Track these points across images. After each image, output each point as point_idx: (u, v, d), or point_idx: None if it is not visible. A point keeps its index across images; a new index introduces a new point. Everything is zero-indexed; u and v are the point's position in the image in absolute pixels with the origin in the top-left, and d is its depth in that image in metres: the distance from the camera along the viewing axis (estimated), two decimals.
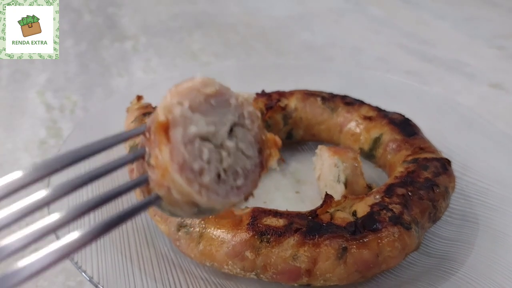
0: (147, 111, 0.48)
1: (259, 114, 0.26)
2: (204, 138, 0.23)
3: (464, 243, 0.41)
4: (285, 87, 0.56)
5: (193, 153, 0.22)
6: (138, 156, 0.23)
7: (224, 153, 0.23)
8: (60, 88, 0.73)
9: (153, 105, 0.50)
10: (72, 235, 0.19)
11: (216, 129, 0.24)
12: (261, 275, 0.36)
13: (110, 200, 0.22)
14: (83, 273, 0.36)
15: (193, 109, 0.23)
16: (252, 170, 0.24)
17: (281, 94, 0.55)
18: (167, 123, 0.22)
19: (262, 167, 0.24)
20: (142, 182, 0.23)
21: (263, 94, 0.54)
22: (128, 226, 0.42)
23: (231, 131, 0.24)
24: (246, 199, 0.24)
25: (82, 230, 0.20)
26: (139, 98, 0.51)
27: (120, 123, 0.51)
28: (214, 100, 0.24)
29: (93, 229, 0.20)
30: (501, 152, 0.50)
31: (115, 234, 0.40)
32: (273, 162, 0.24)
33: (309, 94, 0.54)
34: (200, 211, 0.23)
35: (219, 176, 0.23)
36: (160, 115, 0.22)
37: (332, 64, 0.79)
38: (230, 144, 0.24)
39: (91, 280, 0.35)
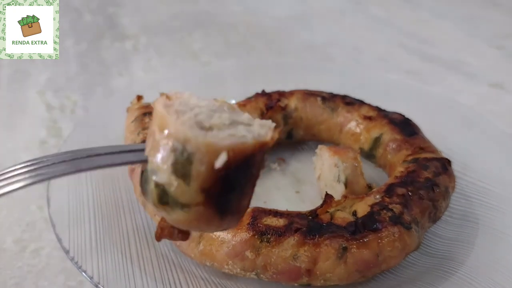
0: (148, 111, 0.48)
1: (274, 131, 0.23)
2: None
3: (464, 243, 0.41)
4: (285, 87, 0.56)
5: (183, 104, 0.22)
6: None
7: (216, 116, 0.22)
8: (60, 88, 0.73)
9: (153, 104, 0.50)
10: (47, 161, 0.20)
11: (218, 112, 0.23)
12: (261, 275, 0.36)
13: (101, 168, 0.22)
14: (83, 273, 0.36)
15: (201, 100, 0.23)
16: (242, 136, 0.22)
17: (281, 94, 0.55)
18: (173, 97, 0.23)
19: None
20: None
21: (263, 94, 0.54)
22: (128, 226, 0.42)
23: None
24: (229, 155, 0.21)
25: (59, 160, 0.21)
26: (139, 98, 0.51)
27: (121, 123, 0.51)
28: (228, 109, 0.24)
29: (71, 160, 0.21)
30: (501, 151, 0.50)
31: (115, 234, 0.41)
32: (267, 137, 0.22)
33: (309, 94, 0.54)
34: (176, 162, 0.21)
35: (202, 126, 0.22)
36: (171, 91, 0.23)
37: (333, 64, 0.79)
38: (226, 116, 0.22)
39: (91, 280, 0.35)
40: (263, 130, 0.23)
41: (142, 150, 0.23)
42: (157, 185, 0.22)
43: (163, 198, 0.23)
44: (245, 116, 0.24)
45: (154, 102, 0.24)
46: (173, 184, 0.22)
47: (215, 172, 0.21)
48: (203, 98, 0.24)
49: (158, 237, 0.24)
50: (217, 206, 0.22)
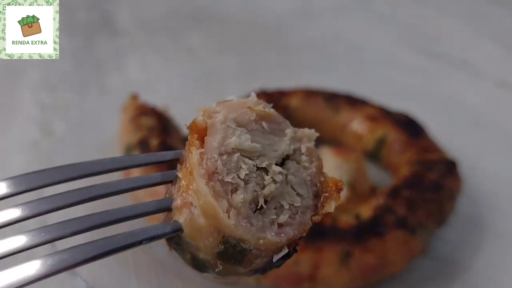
0: (143, 110, 0.47)
1: (320, 155, 0.22)
2: (246, 156, 0.19)
3: (471, 247, 0.40)
4: (287, 85, 0.55)
5: (228, 165, 0.19)
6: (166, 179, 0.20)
7: (267, 178, 0.19)
8: (54, 87, 0.71)
9: (150, 104, 0.49)
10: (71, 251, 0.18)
11: (263, 150, 0.20)
12: (262, 280, 0.35)
13: (120, 222, 0.20)
14: (78, 277, 0.34)
15: (239, 123, 0.20)
16: (302, 210, 0.19)
17: (282, 93, 0.53)
18: (204, 128, 0.20)
19: (315, 211, 0.20)
20: (164, 207, 0.20)
21: (263, 93, 0.53)
22: (123, 229, 0.41)
23: (282, 164, 0.20)
24: (289, 245, 0.19)
25: (81, 249, 0.18)
26: (134, 97, 0.50)
27: (115, 122, 0.50)
28: (267, 124, 0.21)
29: (93, 249, 0.19)
30: (509, 152, 0.50)
31: None
32: (331, 208, 0.20)
33: (311, 93, 0.53)
34: (226, 252, 0.18)
35: (257, 205, 0.19)
36: (198, 116, 0.20)
37: (335, 62, 0.78)
38: (277, 170, 0.19)
39: (86, 284, 0.34)
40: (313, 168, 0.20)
41: (169, 208, 0.20)
42: (196, 259, 0.19)
43: (202, 269, 0.20)
44: (289, 136, 0.21)
45: (190, 160, 0.19)
46: (218, 267, 0.19)
47: (271, 261, 0.19)
48: (235, 115, 0.20)
49: None
50: (260, 272, 0.20)
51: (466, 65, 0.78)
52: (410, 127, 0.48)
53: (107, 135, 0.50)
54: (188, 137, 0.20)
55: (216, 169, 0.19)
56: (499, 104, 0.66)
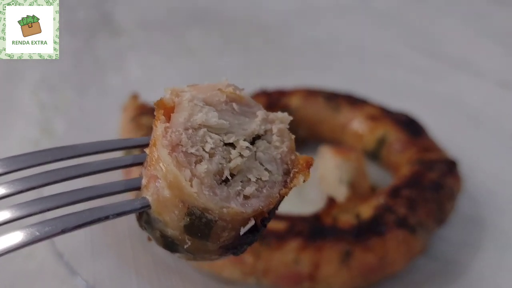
0: (143, 110, 0.47)
1: (292, 136, 0.22)
2: (213, 132, 0.20)
3: (471, 247, 0.40)
4: (287, 85, 0.55)
5: (193, 138, 0.19)
6: (137, 161, 0.21)
7: (234, 153, 0.19)
8: (54, 87, 0.71)
9: (150, 103, 0.49)
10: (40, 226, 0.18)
11: (231, 128, 0.20)
12: (262, 280, 0.35)
13: (86, 201, 0.20)
14: (78, 277, 0.35)
15: (207, 103, 0.20)
16: (270, 185, 0.19)
17: (283, 93, 0.53)
18: (172, 107, 0.20)
19: (285, 185, 0.20)
20: (133, 186, 0.20)
21: (263, 92, 0.53)
22: (124, 229, 0.41)
23: (253, 143, 0.20)
24: (256, 218, 0.19)
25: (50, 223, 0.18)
26: (134, 96, 0.50)
27: (116, 122, 0.50)
28: (238, 106, 0.21)
29: (65, 221, 0.19)
30: (509, 152, 0.50)
31: (111, 237, 0.39)
32: (299, 182, 0.20)
33: (311, 93, 0.53)
34: (192, 225, 0.18)
35: (223, 177, 0.19)
36: (166, 94, 0.20)
37: (335, 61, 0.78)
38: (244, 145, 0.19)
39: (86, 284, 0.34)
40: (284, 146, 0.20)
41: (138, 187, 0.20)
42: (166, 236, 0.20)
43: (172, 248, 0.20)
44: (260, 118, 0.21)
45: (156, 139, 0.19)
46: (187, 243, 0.19)
47: (238, 235, 0.19)
48: (204, 95, 0.20)
49: None
50: (232, 252, 0.20)
51: (466, 65, 0.78)
52: (410, 127, 0.48)
53: (107, 135, 0.50)
54: (155, 113, 0.20)
55: (180, 142, 0.19)
56: (499, 104, 0.66)
